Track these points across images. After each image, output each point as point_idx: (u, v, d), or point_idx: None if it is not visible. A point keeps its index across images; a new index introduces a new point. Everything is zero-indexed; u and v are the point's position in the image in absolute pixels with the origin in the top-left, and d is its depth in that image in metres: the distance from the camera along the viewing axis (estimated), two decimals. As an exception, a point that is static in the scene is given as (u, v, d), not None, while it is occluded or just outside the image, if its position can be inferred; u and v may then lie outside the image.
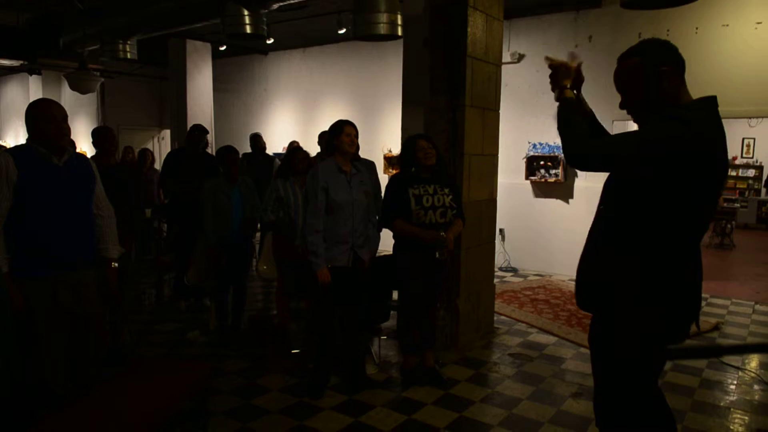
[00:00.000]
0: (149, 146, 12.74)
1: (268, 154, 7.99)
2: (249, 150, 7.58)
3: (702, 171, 1.88)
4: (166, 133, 13.03)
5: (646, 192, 1.94)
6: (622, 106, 2.11)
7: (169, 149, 10.76)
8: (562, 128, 2.10)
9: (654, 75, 2.00)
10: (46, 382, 2.93)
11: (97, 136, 4.59)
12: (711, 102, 2.00)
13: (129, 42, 7.21)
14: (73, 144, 3.84)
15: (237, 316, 5.01)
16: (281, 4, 5.11)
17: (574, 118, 2.11)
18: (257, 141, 7.64)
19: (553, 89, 2.22)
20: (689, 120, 1.87)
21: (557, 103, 2.18)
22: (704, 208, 1.99)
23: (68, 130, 3.02)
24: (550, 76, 2.25)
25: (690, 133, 1.85)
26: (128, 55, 7.32)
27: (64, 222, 2.97)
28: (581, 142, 2.04)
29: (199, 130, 5.92)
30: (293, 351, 4.73)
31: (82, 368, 3.14)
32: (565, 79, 2.22)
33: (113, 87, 12.26)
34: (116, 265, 3.31)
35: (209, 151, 8.28)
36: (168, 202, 6.35)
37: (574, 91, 2.23)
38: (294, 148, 5.44)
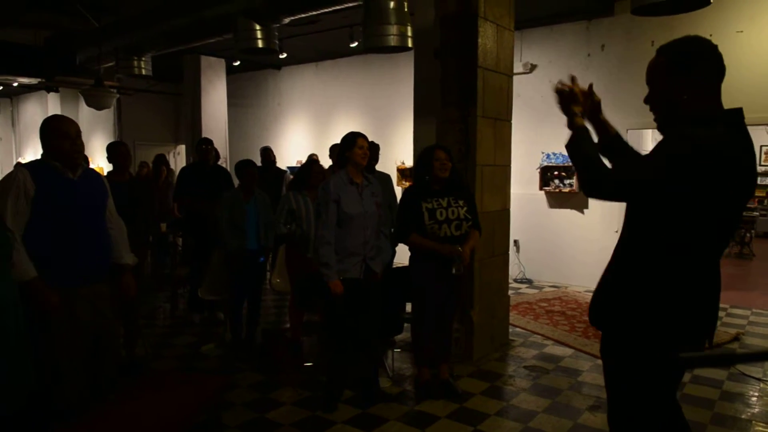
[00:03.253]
0: (165, 161, 12.82)
1: (279, 168, 8.04)
2: (259, 163, 7.62)
3: (717, 188, 1.81)
4: (182, 149, 13.16)
5: (660, 207, 1.90)
6: (646, 101, 2.05)
7: (184, 164, 10.86)
8: (575, 159, 2.03)
9: (673, 82, 1.93)
10: (63, 394, 2.95)
11: (112, 152, 4.65)
12: (735, 114, 1.92)
13: (143, 59, 7.31)
14: (86, 159, 3.89)
15: (251, 330, 5.00)
16: (292, 18, 5.16)
17: (586, 148, 2.02)
18: (267, 154, 7.69)
19: (566, 115, 2.14)
20: (703, 138, 1.80)
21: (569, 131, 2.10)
22: (722, 224, 1.93)
23: (82, 146, 3.06)
24: (558, 102, 2.17)
25: (702, 152, 1.78)
26: (143, 71, 7.43)
27: (80, 235, 3.00)
28: (595, 173, 1.94)
29: (206, 143, 5.97)
30: (306, 364, 4.71)
31: (97, 381, 3.16)
32: (573, 106, 2.13)
33: (129, 103, 12.43)
34: (131, 273, 3.33)
35: (223, 164, 8.34)
36: (183, 216, 6.39)
37: (585, 119, 2.13)
38: (311, 161, 5.46)
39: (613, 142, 2.26)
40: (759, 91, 6.45)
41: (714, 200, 1.84)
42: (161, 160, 8.26)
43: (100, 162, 11.89)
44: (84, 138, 3.12)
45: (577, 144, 2.05)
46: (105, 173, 4.44)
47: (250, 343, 4.97)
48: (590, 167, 1.96)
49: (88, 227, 3.06)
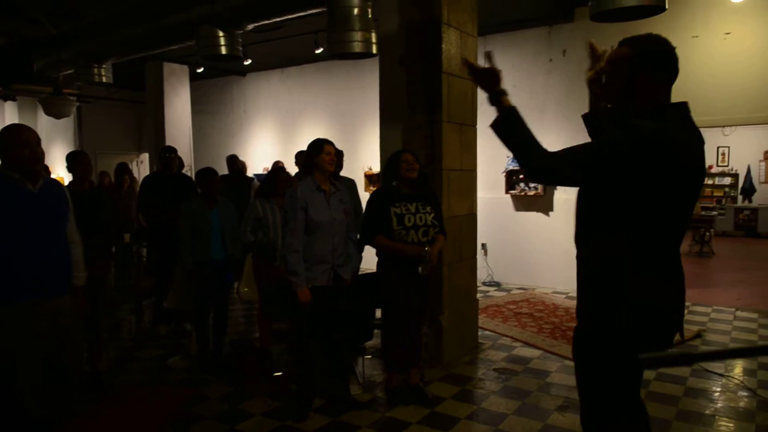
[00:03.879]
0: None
1: (246, 176, 7.97)
2: (226, 172, 7.56)
3: (658, 181, 1.84)
4: (145, 157, 12.92)
5: (607, 200, 1.92)
6: (602, 94, 2.07)
7: (147, 173, 10.66)
8: (507, 142, 1.97)
9: (634, 74, 1.95)
10: (22, 412, 2.85)
11: (72, 161, 4.53)
12: (679, 109, 1.96)
13: (104, 66, 7.16)
14: (46, 169, 3.79)
15: (218, 340, 4.92)
16: (255, 24, 5.12)
17: (519, 130, 1.96)
18: (234, 162, 7.62)
19: (487, 92, 2.05)
20: (645, 129, 1.83)
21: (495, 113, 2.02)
22: (672, 217, 1.94)
23: (42, 155, 2.98)
24: (475, 80, 2.08)
25: (646, 142, 1.81)
26: (103, 79, 7.27)
27: (40, 248, 2.92)
28: (536, 154, 1.91)
29: (169, 151, 5.88)
30: (276, 374, 4.66)
31: (59, 397, 3.07)
32: (495, 85, 2.04)
33: (90, 112, 12.17)
34: (83, 294, 3.27)
35: (188, 172, 8.23)
36: (147, 226, 6.27)
37: (508, 97, 2.04)
38: (277, 168, 5.42)
39: (599, 114, 2.23)
40: (713, 95, 6.66)
41: (660, 191, 1.86)
42: (124, 169, 8.07)
43: (60, 172, 11.60)
44: (43, 148, 3.04)
45: (507, 126, 1.98)
46: (65, 183, 4.32)
47: (218, 354, 4.90)
48: (526, 151, 1.93)
49: (48, 240, 2.98)
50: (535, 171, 1.94)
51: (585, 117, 2.30)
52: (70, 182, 4.56)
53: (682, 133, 1.93)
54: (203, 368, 4.77)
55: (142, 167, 13.16)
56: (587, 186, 1.99)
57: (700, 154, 1.98)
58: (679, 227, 2.00)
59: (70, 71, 7.63)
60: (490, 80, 2.04)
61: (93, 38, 6.77)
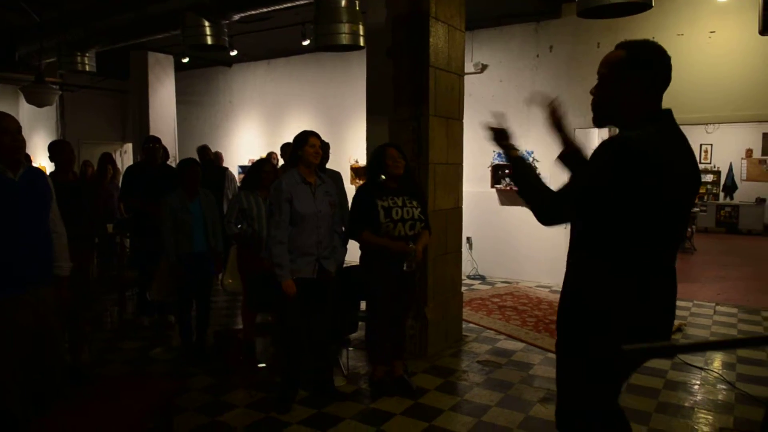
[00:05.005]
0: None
1: (220, 166, 7.94)
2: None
3: (649, 189, 1.85)
4: (129, 147, 12.79)
5: (599, 207, 1.94)
6: (593, 93, 2.09)
7: (131, 163, 10.55)
8: (521, 191, 2.10)
9: (629, 77, 1.97)
10: (2, 404, 2.82)
11: (54, 150, 4.48)
12: (664, 116, 1.98)
13: (87, 54, 7.06)
14: (28, 158, 3.74)
15: (201, 332, 4.90)
16: (242, 14, 5.08)
17: (528, 178, 2.10)
18: (205, 153, 7.58)
19: (501, 149, 2.25)
20: (630, 140, 1.86)
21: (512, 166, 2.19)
22: (665, 224, 1.96)
23: (23, 142, 2.93)
24: (492, 138, 2.28)
25: (628, 154, 1.84)
26: (86, 68, 7.17)
27: (22, 239, 2.88)
28: (542, 202, 2.02)
29: (153, 141, 5.81)
30: (260, 365, 4.66)
31: (40, 388, 3.04)
32: (505, 140, 2.23)
33: (73, 101, 12.00)
34: (67, 284, 3.22)
35: (172, 163, 8.16)
36: (130, 217, 6.21)
37: (517, 152, 2.22)
38: (261, 160, 5.38)
39: (573, 154, 2.32)
40: (697, 93, 6.73)
41: (653, 199, 1.88)
42: (107, 159, 7.97)
43: (41, 161, 11.45)
44: (25, 136, 2.99)
45: (518, 175, 2.15)
46: (47, 173, 4.27)
47: (201, 345, 4.88)
48: (535, 196, 2.04)
49: (30, 230, 2.94)
50: (545, 220, 2.02)
51: (561, 158, 2.35)
52: (53, 172, 4.51)
53: (669, 139, 1.95)
54: (186, 360, 4.75)
55: (125, 157, 13.02)
56: (593, 208, 1.99)
57: (689, 158, 1.99)
58: (673, 230, 2.02)
59: (52, 59, 7.52)
60: (502, 138, 2.26)
61: (76, 26, 6.67)
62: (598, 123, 2.12)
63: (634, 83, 1.97)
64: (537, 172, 2.15)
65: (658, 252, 1.99)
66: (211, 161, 7.65)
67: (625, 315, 1.95)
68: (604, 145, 1.92)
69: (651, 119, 1.96)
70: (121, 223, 7.31)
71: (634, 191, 1.86)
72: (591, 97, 2.11)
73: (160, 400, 3.21)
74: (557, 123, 2.31)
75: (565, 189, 2.00)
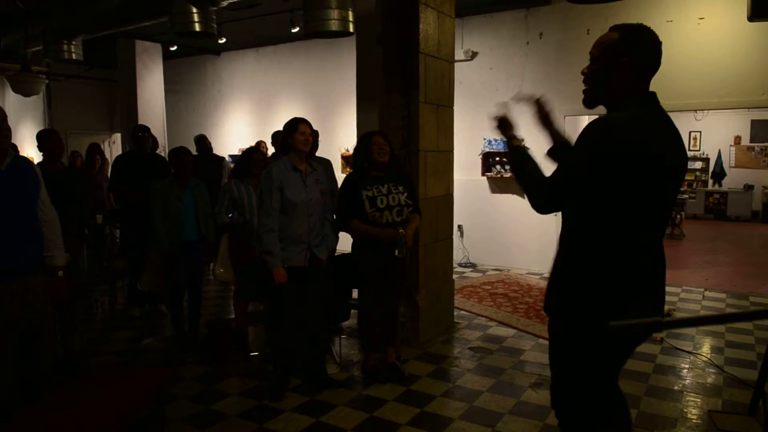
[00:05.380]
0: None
1: (216, 155, 7.89)
2: (195, 152, 7.50)
3: (633, 171, 1.87)
4: (117, 137, 12.69)
5: (592, 194, 1.95)
6: (584, 72, 2.10)
7: (119, 153, 10.47)
8: (519, 179, 2.15)
9: (620, 59, 1.98)
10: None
11: (42, 140, 4.43)
12: (648, 100, 2.00)
13: (74, 42, 6.97)
14: (15, 148, 3.70)
15: (193, 321, 4.90)
16: (230, 1, 5.01)
17: (525, 167, 2.14)
18: (203, 143, 7.55)
19: (505, 137, 2.32)
20: (614, 122, 1.89)
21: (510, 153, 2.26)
22: (651, 205, 1.97)
23: (9, 131, 2.90)
24: (497, 128, 2.34)
25: (614, 136, 1.86)
26: (73, 56, 7.07)
27: (10, 228, 2.85)
28: (534, 189, 2.06)
29: (142, 131, 5.77)
30: (252, 354, 4.66)
31: (30, 379, 3.02)
32: (509, 130, 2.29)
33: (60, 90, 11.87)
34: (62, 273, 3.18)
35: (161, 152, 8.10)
36: (120, 207, 6.16)
37: (522, 141, 2.29)
38: (251, 148, 5.35)
39: (561, 147, 2.39)
40: (686, 79, 6.75)
41: (639, 179, 1.89)
42: (95, 149, 7.90)
43: (29, 151, 11.34)
44: (11, 126, 2.96)
45: (517, 163, 2.19)
46: (35, 163, 4.23)
47: (194, 335, 4.87)
48: (530, 184, 2.08)
49: (18, 219, 2.91)
50: (539, 208, 2.06)
51: (550, 153, 2.42)
52: (41, 161, 4.46)
53: (655, 121, 1.96)
54: (179, 349, 4.75)
55: (114, 147, 12.92)
56: (582, 192, 1.99)
57: (675, 140, 2.00)
58: (661, 209, 2.03)
59: (38, 48, 7.42)
60: (507, 128, 2.32)
61: (63, 13, 6.57)
62: (588, 104, 2.13)
63: (625, 66, 1.98)
64: (536, 161, 2.18)
65: (646, 232, 2.01)
66: (209, 151, 7.61)
67: (614, 294, 1.96)
68: (589, 127, 1.93)
69: (638, 102, 1.98)
70: (110, 214, 7.26)
71: (619, 172, 1.87)
72: (581, 84, 2.12)
73: (152, 389, 3.21)
74: (544, 119, 2.39)
75: (554, 176, 2.02)
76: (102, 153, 8.18)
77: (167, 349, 4.82)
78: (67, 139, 11.21)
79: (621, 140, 1.86)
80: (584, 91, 2.11)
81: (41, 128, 10.35)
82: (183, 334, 4.84)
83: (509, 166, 2.23)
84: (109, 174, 7.34)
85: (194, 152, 7.54)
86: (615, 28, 2.03)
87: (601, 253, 1.97)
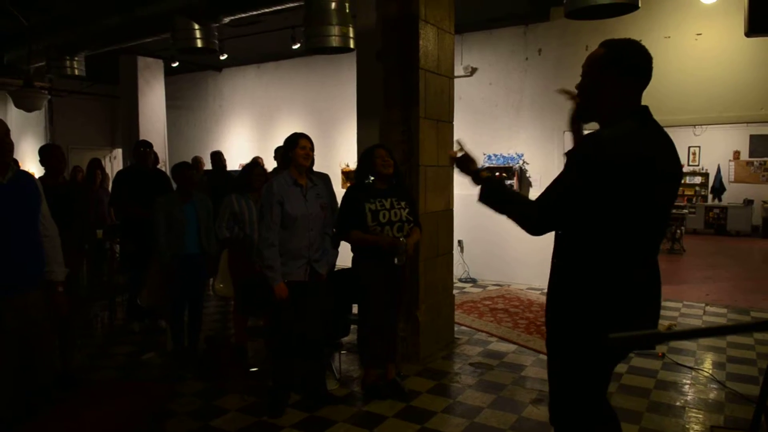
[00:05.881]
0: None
1: (229, 172, 7.95)
2: (209, 167, 7.63)
3: (626, 184, 1.87)
4: (118, 153, 12.73)
5: (581, 206, 1.95)
6: (577, 87, 2.11)
7: (120, 169, 10.51)
8: (501, 210, 2.13)
9: (606, 74, 2.00)
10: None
11: (44, 155, 4.45)
12: (640, 114, 2.01)
13: (76, 58, 7.03)
14: (16, 163, 3.71)
15: (193, 336, 4.88)
16: (232, 18, 5.07)
17: (501, 196, 2.14)
18: (219, 159, 7.64)
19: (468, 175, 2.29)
20: (603, 138, 1.91)
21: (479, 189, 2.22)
22: (645, 218, 1.97)
23: (11, 145, 2.92)
24: (458, 168, 2.33)
25: (606, 150, 1.87)
26: (75, 72, 7.14)
27: (10, 242, 2.86)
28: (523, 215, 2.05)
29: (144, 146, 5.80)
30: (251, 369, 4.64)
31: (30, 394, 3.01)
32: (471, 166, 2.29)
33: (62, 106, 11.93)
34: (62, 288, 3.18)
35: (162, 168, 8.13)
36: (120, 222, 6.17)
37: (485, 172, 2.27)
38: (252, 163, 5.38)
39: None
40: (684, 94, 6.79)
41: (631, 194, 1.89)
42: (96, 165, 7.94)
43: (31, 167, 11.37)
44: (13, 141, 2.97)
45: (491, 195, 2.17)
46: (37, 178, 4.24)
47: (193, 350, 4.85)
48: (515, 210, 2.08)
49: (19, 233, 2.92)
50: (534, 231, 2.04)
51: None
52: (43, 176, 4.48)
53: (647, 135, 1.97)
54: (178, 364, 4.73)
55: (115, 163, 12.95)
56: (577, 209, 1.99)
57: (669, 152, 2.01)
58: (654, 223, 2.03)
59: (41, 63, 7.48)
60: (467, 165, 2.30)
61: (66, 30, 6.64)
62: (581, 119, 2.15)
63: (612, 81, 2.00)
64: (509, 184, 2.17)
65: (641, 245, 2.01)
66: (223, 167, 7.68)
67: (610, 308, 1.96)
68: (579, 144, 1.95)
69: (628, 116, 1.99)
70: (110, 229, 7.27)
71: (611, 185, 1.88)
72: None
73: (151, 405, 3.20)
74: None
75: (547, 195, 2.01)
76: (103, 168, 8.21)
77: (166, 365, 4.80)
78: (69, 155, 11.25)
79: (612, 154, 1.87)
80: (576, 105, 2.13)
81: (43, 143, 10.39)
82: (183, 349, 4.82)
83: (484, 201, 2.20)
84: (109, 189, 7.37)
85: (204, 166, 7.64)
86: (603, 44, 2.06)
87: (595, 267, 1.98)
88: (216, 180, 7.16)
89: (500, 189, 2.17)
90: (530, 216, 2.04)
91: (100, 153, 12.24)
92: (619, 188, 1.88)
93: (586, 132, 2.13)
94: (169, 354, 4.95)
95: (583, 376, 2.07)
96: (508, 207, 2.11)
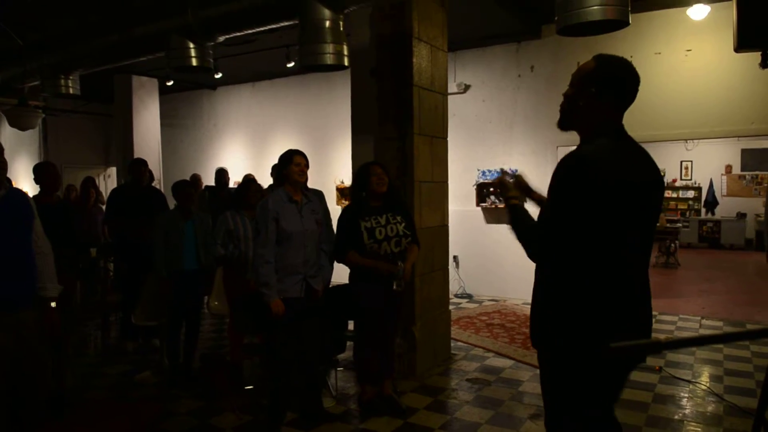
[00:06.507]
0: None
1: (230, 189, 8.00)
2: (212, 183, 7.74)
3: (608, 200, 1.89)
4: (113, 171, 12.73)
5: (572, 230, 1.96)
6: (565, 95, 2.13)
7: (114, 187, 10.49)
8: (517, 235, 2.17)
9: (588, 87, 2.03)
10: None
11: (39, 172, 4.45)
12: (618, 132, 2.04)
13: (71, 77, 7.05)
14: (9, 182, 3.70)
15: (189, 354, 4.85)
16: (227, 36, 5.11)
17: (520, 222, 2.17)
18: (223, 176, 7.72)
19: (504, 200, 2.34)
20: (586, 156, 1.93)
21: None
22: (629, 231, 1.98)
23: (5, 164, 2.91)
24: (499, 192, 2.39)
25: (587, 170, 1.89)
26: (70, 90, 7.15)
27: (3, 260, 2.83)
28: (529, 241, 2.09)
29: (140, 164, 5.81)
30: (247, 388, 4.60)
31: (23, 414, 2.97)
32: (509, 193, 2.31)
33: (57, 124, 11.94)
34: (54, 304, 3.15)
35: (157, 186, 8.11)
36: (114, 240, 6.15)
37: (517, 201, 2.30)
38: (247, 180, 5.39)
39: None
40: (676, 109, 6.87)
41: (614, 208, 1.91)
42: (90, 183, 7.93)
43: (24, 185, 11.33)
44: (7, 160, 2.97)
45: (513, 220, 2.20)
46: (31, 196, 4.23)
47: (188, 368, 4.81)
48: (522, 237, 2.12)
49: (11, 252, 2.90)
50: (534, 256, 2.09)
51: None
52: (37, 194, 4.47)
53: (624, 151, 2.01)
54: (172, 383, 4.68)
55: (109, 181, 12.94)
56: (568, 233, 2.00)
57: (647, 166, 2.04)
58: (641, 236, 2.04)
59: (36, 83, 7.50)
60: (506, 189, 2.34)
61: (61, 49, 6.67)
62: (561, 126, 2.17)
63: (597, 95, 2.02)
64: (532, 217, 2.21)
65: (628, 258, 2.01)
66: (225, 184, 7.73)
67: (602, 320, 1.96)
68: (559, 166, 1.96)
69: (606, 134, 2.02)
70: (104, 247, 7.24)
71: (594, 203, 1.89)
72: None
73: (145, 424, 3.16)
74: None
75: (539, 223, 2.05)
76: (96, 187, 8.19)
77: (161, 384, 4.75)
78: (62, 173, 11.22)
79: (592, 172, 1.89)
80: (560, 113, 2.16)
81: (37, 162, 10.38)
82: (178, 367, 4.78)
83: (509, 224, 2.25)
84: (104, 207, 7.35)
85: (211, 183, 7.76)
86: (596, 58, 2.08)
87: (585, 282, 1.97)
88: (217, 196, 7.21)
89: (520, 217, 2.20)
90: (531, 243, 2.07)
91: (94, 171, 12.22)
92: (602, 204, 1.90)
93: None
94: (163, 372, 4.91)
95: (578, 391, 2.06)
96: (521, 233, 2.15)
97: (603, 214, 1.91)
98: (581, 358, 1.97)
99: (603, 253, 1.95)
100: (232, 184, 10.26)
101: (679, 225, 13.15)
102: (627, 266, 2.00)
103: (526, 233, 2.10)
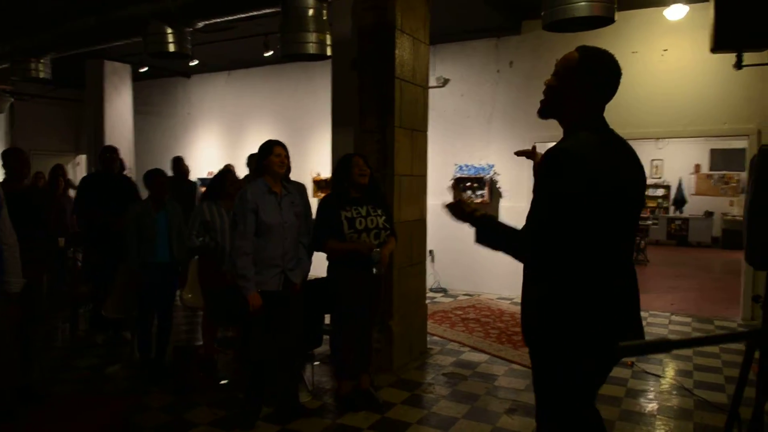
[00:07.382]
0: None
1: (190, 180, 7.80)
2: (170, 173, 7.39)
3: (592, 193, 1.89)
4: (82, 159, 12.43)
5: (563, 226, 1.95)
6: (546, 83, 2.12)
7: (84, 175, 10.24)
8: (495, 247, 2.12)
9: (572, 79, 2.03)
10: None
11: (7, 157, 4.30)
12: (600, 124, 2.05)
13: (42, 61, 6.84)
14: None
15: (161, 348, 4.75)
16: (206, 22, 4.99)
17: (494, 231, 2.13)
18: (179, 165, 7.43)
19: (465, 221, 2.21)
20: (568, 151, 1.93)
21: (474, 229, 2.17)
22: (616, 225, 1.99)
23: None
24: (453, 215, 2.26)
25: (573, 167, 1.89)
26: (41, 74, 6.93)
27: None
28: (515, 246, 2.05)
29: (110, 151, 5.67)
30: (221, 382, 4.53)
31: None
32: (468, 208, 2.21)
33: (25, 110, 11.59)
34: (16, 300, 3.05)
35: (129, 174, 7.94)
36: (84, 230, 5.99)
37: (479, 211, 2.21)
38: (225, 170, 5.28)
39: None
40: (650, 109, 6.97)
41: (599, 202, 1.91)
42: (59, 171, 7.70)
43: (-11, 172, 11.00)
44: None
45: (485, 233, 2.14)
46: (-3, 182, 4.09)
47: (161, 362, 4.72)
48: (509, 244, 2.07)
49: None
50: (528, 260, 2.06)
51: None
52: (4, 180, 4.32)
53: (606, 144, 2.02)
54: (145, 377, 4.59)
55: (78, 169, 12.64)
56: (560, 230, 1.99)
57: (630, 161, 2.05)
58: (624, 230, 2.06)
59: (5, 66, 7.26)
60: (461, 210, 2.22)
61: (34, 31, 6.45)
62: (542, 115, 2.16)
63: (580, 88, 2.02)
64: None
65: (613, 253, 2.03)
66: (183, 174, 7.50)
67: (592, 318, 1.96)
68: (544, 162, 1.95)
69: (588, 127, 2.02)
70: (73, 237, 7.06)
71: (579, 198, 1.89)
72: None
73: (115, 418, 3.09)
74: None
75: (532, 223, 2.00)
76: (65, 175, 7.97)
77: (133, 377, 4.66)
78: (31, 160, 10.92)
79: (577, 166, 1.89)
80: (541, 102, 2.15)
81: (3, 149, 10.04)
82: (150, 361, 4.69)
83: (480, 242, 2.15)
84: (73, 196, 7.17)
85: (169, 173, 7.44)
86: (579, 49, 2.08)
87: (574, 278, 1.97)
88: (178, 187, 6.99)
89: (492, 227, 2.14)
90: (525, 248, 2.02)
91: (63, 159, 11.90)
92: (586, 198, 1.89)
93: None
94: (135, 366, 4.81)
95: (568, 386, 2.07)
96: (502, 245, 2.09)
97: (589, 209, 1.90)
98: (573, 354, 1.97)
99: (590, 247, 1.95)
100: (206, 175, 10.13)
101: (649, 222, 13.37)
102: (614, 260, 2.01)
103: (512, 240, 2.04)
